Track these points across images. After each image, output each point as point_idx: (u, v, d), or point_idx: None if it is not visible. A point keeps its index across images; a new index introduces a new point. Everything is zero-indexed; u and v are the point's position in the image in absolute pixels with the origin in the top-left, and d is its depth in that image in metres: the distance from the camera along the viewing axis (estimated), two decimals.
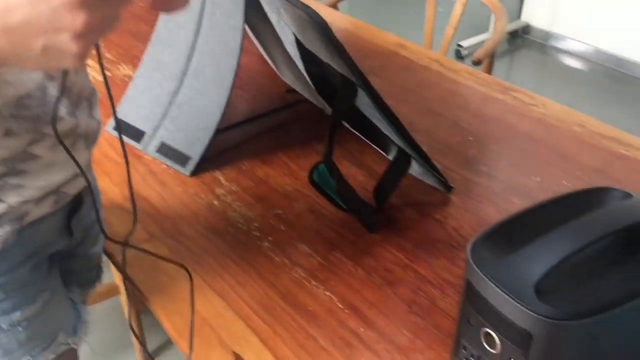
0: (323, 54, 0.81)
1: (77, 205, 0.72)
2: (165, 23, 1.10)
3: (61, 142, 0.57)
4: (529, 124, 1.15)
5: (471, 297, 0.59)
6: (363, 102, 0.85)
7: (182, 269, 0.78)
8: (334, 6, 1.82)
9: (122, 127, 1.09)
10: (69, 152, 0.58)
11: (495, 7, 1.66)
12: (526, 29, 3.61)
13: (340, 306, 0.78)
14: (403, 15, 3.57)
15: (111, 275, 1.68)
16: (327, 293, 0.79)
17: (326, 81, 0.96)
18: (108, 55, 1.38)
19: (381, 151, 1.05)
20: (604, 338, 0.55)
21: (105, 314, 1.80)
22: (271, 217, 0.92)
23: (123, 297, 1.53)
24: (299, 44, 0.88)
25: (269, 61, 1.30)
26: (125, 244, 0.65)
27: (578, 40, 3.42)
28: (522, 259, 0.56)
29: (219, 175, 1.01)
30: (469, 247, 0.60)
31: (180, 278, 0.81)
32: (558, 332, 0.53)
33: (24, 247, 0.65)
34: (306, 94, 1.17)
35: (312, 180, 0.91)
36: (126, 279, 0.80)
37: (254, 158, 1.05)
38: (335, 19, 1.59)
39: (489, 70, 1.56)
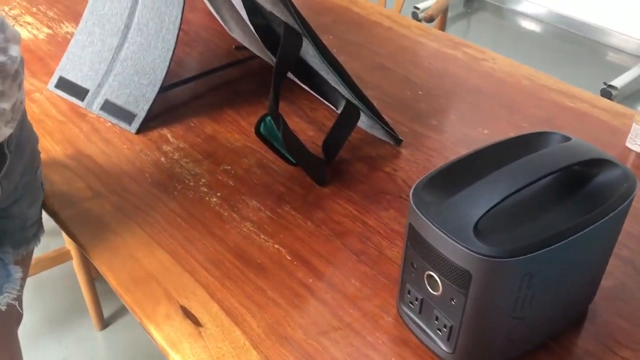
0: (267, 3, 0.79)
1: (1, 160, 0.69)
2: None
3: None
4: (478, 77, 1.15)
5: (413, 241, 0.60)
6: (309, 53, 0.84)
7: (126, 225, 0.76)
8: None
9: (65, 85, 1.05)
10: None
11: None
12: None
13: (289, 258, 0.77)
14: None
15: (62, 241, 1.65)
16: (276, 246, 0.79)
17: (272, 32, 0.95)
18: (50, 13, 1.33)
19: (331, 106, 1.05)
20: (541, 275, 0.56)
21: (60, 280, 1.77)
22: (220, 173, 0.91)
23: (75, 262, 1.50)
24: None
25: (217, 17, 1.27)
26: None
27: (532, 2, 3.45)
28: (462, 201, 0.56)
29: (166, 132, 0.99)
30: (411, 192, 0.60)
31: (125, 233, 0.80)
32: (495, 270, 0.54)
33: None
34: (255, 50, 1.15)
35: (258, 134, 0.89)
36: (69, 236, 0.78)
37: (202, 115, 1.03)
38: None
39: (442, 28, 1.56)
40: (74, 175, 0.89)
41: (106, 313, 1.67)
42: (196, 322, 0.69)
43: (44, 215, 0.85)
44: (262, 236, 0.81)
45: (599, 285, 0.70)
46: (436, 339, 0.63)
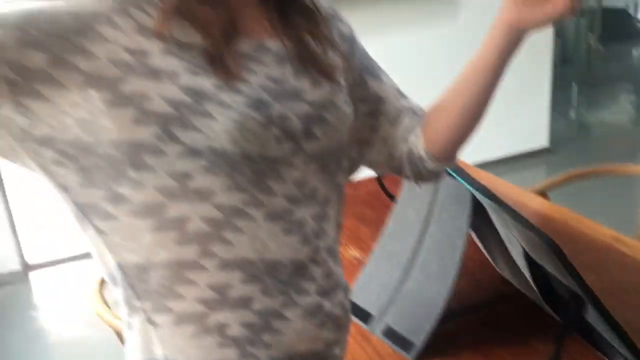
0: (552, 269, 0.89)
1: None
2: (396, 220, 1.27)
3: None
4: None
5: None
6: (591, 314, 0.89)
7: None
8: (544, 194, 1.89)
9: (353, 308, 1.23)
10: None
11: None
12: None
13: None
14: (612, 201, 3.50)
15: None
16: None
17: (549, 286, 1.03)
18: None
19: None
20: None
21: None
22: None
23: None
24: (526, 254, 0.97)
25: (484, 250, 1.39)
26: None
27: None
28: None
29: None
30: None
31: None
32: None
33: None
34: (523, 289, 1.23)
35: None
36: None
37: (473, 350, 1.12)
38: (546, 209, 1.65)
39: None
40: None
41: None
42: None
43: None
44: None
45: None
46: None
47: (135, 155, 0.68)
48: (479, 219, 1.13)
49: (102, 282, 1.42)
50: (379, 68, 0.93)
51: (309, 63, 0.79)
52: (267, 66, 0.76)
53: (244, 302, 0.74)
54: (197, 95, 0.68)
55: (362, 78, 0.89)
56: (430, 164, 0.89)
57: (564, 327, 0.90)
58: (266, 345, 0.75)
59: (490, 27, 0.82)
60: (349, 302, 0.87)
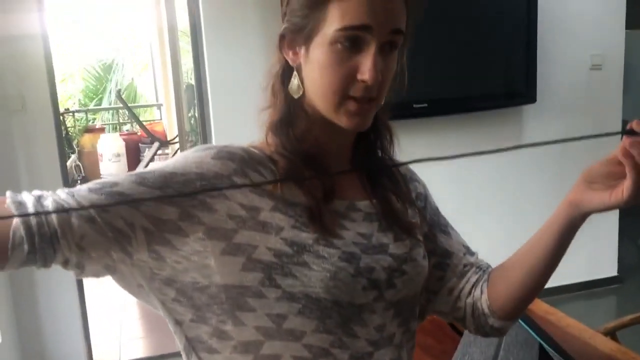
0: None
1: None
2: (462, 355, 1.29)
3: None
4: None
5: None
6: None
7: None
8: (613, 334, 1.86)
9: None
10: None
11: None
12: None
13: None
14: None
15: None
16: None
17: None
18: None
19: None
20: None
21: None
22: None
23: None
24: None
25: None
26: None
27: None
28: None
29: None
30: None
31: None
32: None
33: None
34: None
35: None
36: None
37: None
38: (616, 353, 1.62)
39: None
40: None
41: None
42: None
43: None
44: None
45: None
46: None
47: (241, 297, 0.78)
48: None
49: None
50: (448, 224, 1.01)
51: (393, 220, 0.89)
52: (358, 223, 0.86)
53: None
54: (298, 247, 0.78)
55: (432, 232, 0.98)
56: (493, 320, 0.94)
57: None
58: None
59: (558, 206, 0.86)
60: None
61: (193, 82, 3.46)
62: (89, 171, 7.13)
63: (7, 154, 2.97)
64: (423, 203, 0.99)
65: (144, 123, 7.08)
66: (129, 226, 0.73)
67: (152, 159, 5.36)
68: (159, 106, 8.31)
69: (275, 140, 0.86)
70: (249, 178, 0.80)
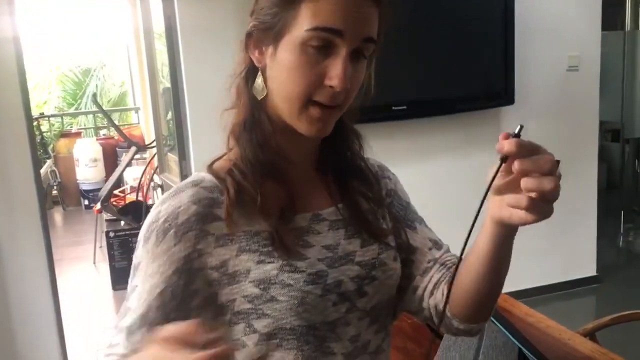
0: None
1: None
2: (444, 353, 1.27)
3: None
4: None
5: None
6: None
7: None
8: (592, 335, 1.86)
9: None
10: None
11: None
12: None
13: None
14: None
15: None
16: None
17: None
18: None
19: None
20: None
21: None
22: None
23: None
24: None
25: None
26: None
27: None
28: None
29: None
30: None
31: None
32: None
33: None
34: None
35: None
36: None
37: None
38: (595, 353, 1.62)
39: None
40: None
41: None
42: None
43: None
44: None
45: None
46: None
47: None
48: None
49: None
50: (417, 219, 0.97)
51: (361, 225, 0.87)
52: (323, 235, 0.84)
53: None
54: (265, 284, 0.77)
55: (397, 228, 0.94)
56: (457, 323, 0.89)
57: None
58: None
59: (484, 221, 0.79)
60: None
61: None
62: (65, 177, 7.02)
63: None
64: (391, 199, 0.96)
65: (122, 127, 7.00)
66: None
67: (129, 164, 5.28)
68: (136, 110, 8.22)
69: (236, 147, 0.84)
70: (210, 235, 0.79)
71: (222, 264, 0.79)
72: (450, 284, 0.79)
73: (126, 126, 7.84)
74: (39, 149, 6.64)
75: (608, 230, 5.08)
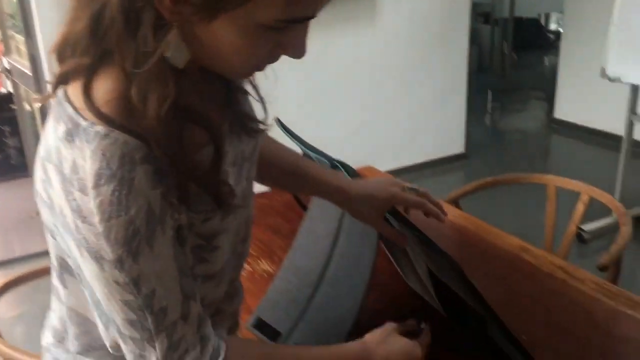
0: (455, 287, 0.88)
1: None
2: (306, 234, 1.24)
3: None
4: None
5: None
6: (493, 331, 0.89)
7: None
8: (456, 202, 1.92)
9: (261, 326, 1.19)
10: None
11: (620, 212, 1.68)
12: None
13: None
14: (522, 208, 3.61)
15: None
16: None
17: (454, 303, 1.02)
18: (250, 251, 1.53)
19: None
20: None
21: None
22: None
23: None
24: (431, 273, 0.96)
25: (395, 264, 1.38)
26: None
27: None
28: None
29: None
30: None
31: None
32: None
33: None
34: (433, 304, 1.23)
35: None
36: None
37: None
38: (457, 218, 1.67)
39: (615, 280, 1.55)
40: None
41: None
42: None
43: None
44: None
45: None
46: None
47: None
48: None
49: None
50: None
51: (248, 131, 0.82)
52: (240, 166, 0.81)
53: None
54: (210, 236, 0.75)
55: None
56: None
57: (467, 344, 0.90)
58: None
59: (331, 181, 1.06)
60: None
61: None
62: None
63: None
64: None
65: None
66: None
67: None
68: None
69: (135, 103, 0.62)
70: (174, 205, 0.66)
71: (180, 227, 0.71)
72: None
73: None
74: None
75: (476, 109, 5.31)
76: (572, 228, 1.82)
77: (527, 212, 3.49)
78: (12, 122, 4.26)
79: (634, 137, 3.46)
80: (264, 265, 1.46)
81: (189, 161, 0.67)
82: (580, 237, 3.27)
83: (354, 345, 0.88)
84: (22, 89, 3.87)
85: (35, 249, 3.16)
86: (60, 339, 0.82)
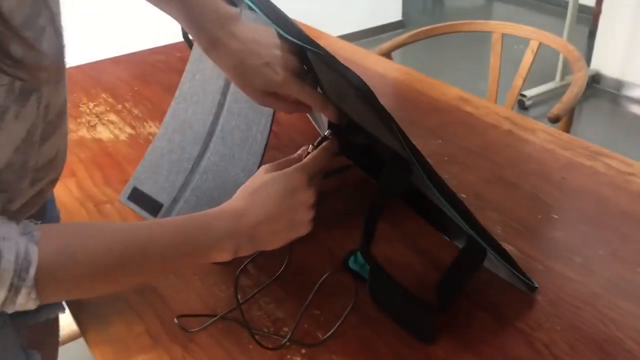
0: (367, 124, 0.64)
1: None
2: (192, 76, 0.95)
3: None
4: (628, 199, 0.93)
5: None
6: (420, 179, 0.66)
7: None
8: (388, 55, 1.66)
9: (138, 198, 0.93)
10: None
11: (574, 56, 1.46)
12: (596, 78, 3.36)
13: None
14: (461, 63, 3.39)
15: None
16: None
17: (374, 153, 0.78)
18: (135, 111, 1.25)
19: (446, 237, 0.86)
20: None
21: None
22: (306, 319, 0.73)
23: None
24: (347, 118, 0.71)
25: (311, 119, 1.14)
26: None
27: None
28: None
29: (244, 259, 0.83)
30: None
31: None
32: None
33: None
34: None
35: (349, 269, 0.73)
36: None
37: None
38: (389, 70, 1.42)
39: (568, 129, 1.35)
40: (134, 315, 0.75)
41: None
42: None
43: None
44: None
45: None
46: None
47: None
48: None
49: None
50: None
51: None
52: None
53: None
54: None
55: None
56: None
57: (378, 197, 0.67)
58: None
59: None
60: None
61: None
62: None
63: None
64: None
65: None
66: None
67: None
68: None
69: None
70: None
71: None
72: None
73: None
74: None
75: None
76: (517, 82, 1.60)
77: (469, 67, 3.29)
78: None
79: (580, 2, 3.22)
80: (152, 128, 1.18)
81: None
82: (521, 103, 3.10)
83: (222, 212, 0.63)
84: None
85: None
86: None
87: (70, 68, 1.46)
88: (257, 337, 0.69)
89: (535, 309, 0.73)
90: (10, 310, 0.51)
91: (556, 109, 1.30)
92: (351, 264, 0.76)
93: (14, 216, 0.55)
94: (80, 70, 1.43)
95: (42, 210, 0.75)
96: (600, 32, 3.28)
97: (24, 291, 0.50)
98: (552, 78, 3.27)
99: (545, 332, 0.70)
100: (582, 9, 3.43)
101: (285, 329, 0.72)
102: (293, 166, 0.67)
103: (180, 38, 1.05)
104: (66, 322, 0.88)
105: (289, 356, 0.68)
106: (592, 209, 0.91)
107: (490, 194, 0.96)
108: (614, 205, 0.92)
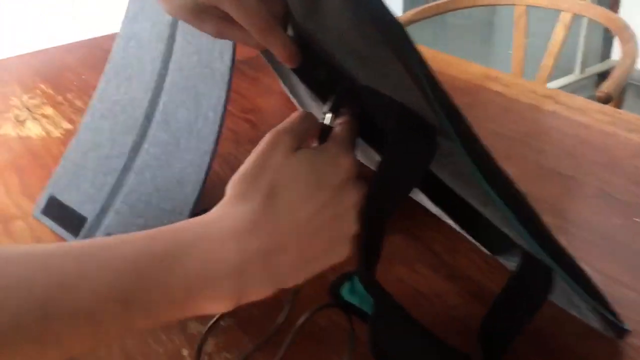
0: (364, 64, 0.38)
1: None
2: (125, 42, 0.70)
3: None
4: None
5: None
6: (443, 161, 0.41)
7: None
8: None
9: (56, 211, 0.68)
10: None
11: (618, 25, 1.20)
12: None
13: None
14: (472, 46, 3.14)
15: None
16: None
17: (374, 127, 0.53)
18: (77, 103, 1.00)
19: (487, 251, 0.59)
20: None
21: None
22: None
23: None
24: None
25: (294, 100, 0.88)
26: None
27: None
28: None
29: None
30: None
31: None
32: None
33: None
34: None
35: (342, 301, 0.47)
36: None
37: None
38: None
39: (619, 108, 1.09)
40: None
41: None
42: None
43: None
44: None
45: None
46: None
47: None
48: None
49: None
50: None
51: None
52: None
53: None
54: None
55: None
56: None
57: (374, 192, 0.41)
58: None
59: None
60: None
61: None
62: None
63: None
64: None
65: None
66: None
67: None
68: None
69: None
70: None
71: None
72: None
73: None
74: None
75: None
76: (548, 62, 1.34)
77: (488, 48, 3.02)
78: None
79: None
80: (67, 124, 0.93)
81: None
82: None
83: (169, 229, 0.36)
84: None
85: None
86: None
87: (10, 58, 1.21)
88: None
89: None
90: None
91: (606, 86, 1.04)
92: (345, 294, 0.49)
93: None
94: (21, 59, 1.19)
95: None
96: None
97: None
98: (570, 71, 3.01)
99: None
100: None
101: None
102: (330, 138, 0.40)
103: None
104: None
105: None
106: None
107: (542, 192, 0.69)
108: None
